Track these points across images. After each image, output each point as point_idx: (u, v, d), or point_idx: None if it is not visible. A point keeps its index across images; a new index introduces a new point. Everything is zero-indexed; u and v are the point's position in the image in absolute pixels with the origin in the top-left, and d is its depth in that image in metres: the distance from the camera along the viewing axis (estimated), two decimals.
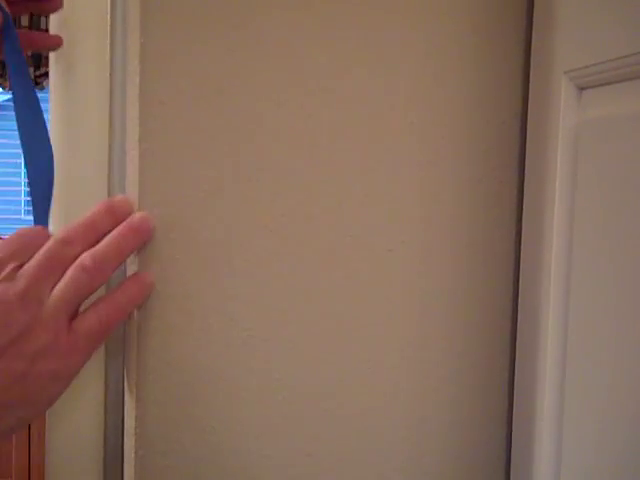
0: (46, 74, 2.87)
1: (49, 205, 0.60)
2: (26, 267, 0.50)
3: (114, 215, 0.55)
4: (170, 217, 0.66)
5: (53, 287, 0.50)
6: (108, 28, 0.65)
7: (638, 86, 0.55)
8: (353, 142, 0.69)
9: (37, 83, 2.89)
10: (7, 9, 0.60)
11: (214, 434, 0.68)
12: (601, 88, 0.59)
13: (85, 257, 0.51)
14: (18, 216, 3.90)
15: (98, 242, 0.53)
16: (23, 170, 3.93)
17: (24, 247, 0.51)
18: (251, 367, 0.68)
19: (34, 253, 0.51)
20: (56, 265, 0.51)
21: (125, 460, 0.68)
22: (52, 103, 0.66)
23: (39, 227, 0.55)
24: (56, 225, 0.67)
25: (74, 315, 0.52)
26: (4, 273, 0.49)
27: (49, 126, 0.66)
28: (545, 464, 0.66)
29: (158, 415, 0.67)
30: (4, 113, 3.91)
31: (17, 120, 0.62)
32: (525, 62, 0.71)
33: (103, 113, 0.65)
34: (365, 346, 0.71)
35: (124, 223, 0.55)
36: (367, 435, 0.72)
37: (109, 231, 0.54)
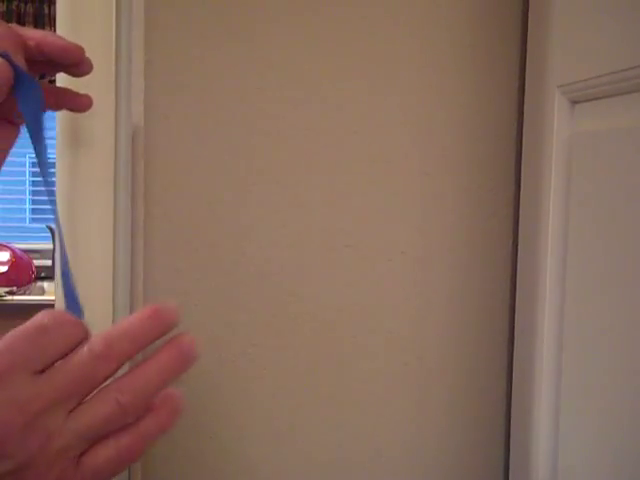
0: (50, 82, 2.89)
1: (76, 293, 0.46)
2: (44, 384, 0.38)
3: (160, 327, 0.43)
4: (174, 227, 0.67)
5: (71, 411, 0.39)
6: (113, 45, 0.67)
7: (629, 101, 0.56)
8: (352, 153, 0.70)
9: None
10: (23, 65, 0.52)
11: (217, 440, 0.69)
12: (593, 102, 0.61)
13: (124, 391, 0.40)
14: (23, 224, 3.93)
15: (135, 355, 0.43)
16: (27, 178, 3.95)
17: (45, 346, 0.39)
18: (253, 374, 0.70)
19: (58, 355, 0.39)
20: (83, 387, 0.40)
21: (131, 466, 0.69)
22: (59, 119, 0.68)
23: (70, 317, 0.41)
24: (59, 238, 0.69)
25: (89, 447, 0.41)
26: (13, 385, 0.37)
27: (56, 141, 0.68)
28: (542, 464, 0.68)
29: None
30: None
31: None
32: (520, 76, 0.72)
33: (109, 127, 0.67)
34: (365, 353, 0.72)
35: (171, 348, 0.43)
36: (367, 438, 0.73)
37: (149, 343, 0.43)
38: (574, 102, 0.63)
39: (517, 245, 0.73)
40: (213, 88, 0.67)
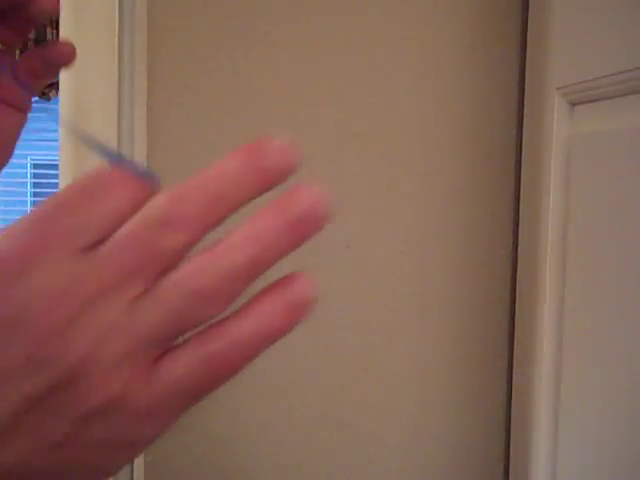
0: (52, 85, 2.90)
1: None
2: (90, 263, 0.27)
3: (261, 177, 0.28)
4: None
5: (132, 303, 0.27)
6: (116, 48, 0.68)
7: (628, 102, 0.57)
8: (352, 155, 0.71)
9: (43, 94, 2.91)
10: None
11: (219, 439, 0.70)
12: (592, 104, 0.61)
13: (201, 271, 0.27)
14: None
15: (222, 221, 0.28)
16: (29, 180, 3.95)
17: (91, 214, 0.27)
18: (255, 373, 0.70)
19: (108, 225, 0.27)
20: (145, 266, 0.27)
21: (134, 465, 0.69)
22: (62, 121, 0.68)
23: (124, 174, 0.29)
24: None
25: (162, 353, 0.29)
26: (48, 268, 0.26)
27: (59, 143, 0.69)
28: (542, 464, 0.68)
29: None
30: None
31: None
32: (520, 78, 0.73)
33: (112, 130, 0.68)
34: (366, 354, 0.73)
35: (284, 202, 0.28)
36: (368, 439, 0.73)
37: (243, 201, 0.28)
38: (573, 104, 0.64)
39: (517, 245, 0.74)
40: (215, 90, 0.68)
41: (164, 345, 0.28)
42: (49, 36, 2.61)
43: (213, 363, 0.28)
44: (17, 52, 0.53)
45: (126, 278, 0.27)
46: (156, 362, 0.28)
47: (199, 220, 0.28)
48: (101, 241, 0.27)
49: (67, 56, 0.52)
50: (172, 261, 0.27)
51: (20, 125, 0.54)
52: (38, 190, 4.03)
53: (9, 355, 0.26)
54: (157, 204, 0.28)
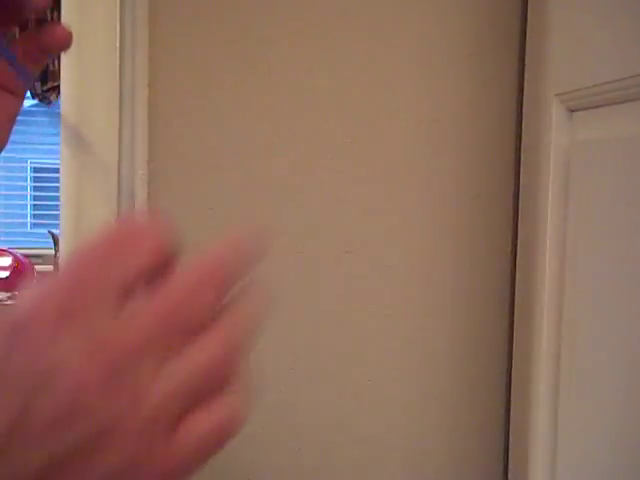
0: (53, 89, 2.90)
1: None
2: (129, 320, 0.28)
3: (245, 262, 0.32)
4: (178, 234, 0.68)
5: (160, 364, 0.28)
6: (118, 54, 0.68)
7: (626, 109, 0.57)
8: (353, 160, 0.71)
9: (44, 97, 2.91)
10: None
11: None
12: (591, 111, 0.61)
13: (223, 347, 0.29)
14: (24, 229, 3.93)
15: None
16: (29, 184, 3.95)
17: (126, 268, 0.28)
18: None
19: (140, 279, 0.28)
20: (181, 325, 0.29)
21: None
22: (64, 125, 0.68)
23: (147, 226, 0.31)
24: (64, 243, 0.69)
25: (184, 415, 0.29)
26: (88, 325, 0.27)
27: (59, 147, 0.69)
28: (541, 465, 0.68)
29: None
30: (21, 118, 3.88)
31: None
32: (519, 85, 0.73)
33: (112, 135, 0.68)
34: (365, 354, 0.73)
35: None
36: (368, 442, 0.73)
37: (242, 276, 0.31)
38: (572, 110, 0.64)
39: (516, 250, 0.74)
40: (216, 97, 0.68)
41: (187, 407, 0.29)
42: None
43: (228, 421, 0.30)
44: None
45: (163, 336, 0.28)
46: (180, 420, 0.28)
47: (224, 284, 0.30)
48: (129, 295, 0.28)
49: (63, 41, 0.49)
50: (203, 319, 0.29)
51: (16, 110, 0.51)
52: (38, 194, 4.03)
53: (37, 411, 0.26)
54: (195, 263, 0.30)
